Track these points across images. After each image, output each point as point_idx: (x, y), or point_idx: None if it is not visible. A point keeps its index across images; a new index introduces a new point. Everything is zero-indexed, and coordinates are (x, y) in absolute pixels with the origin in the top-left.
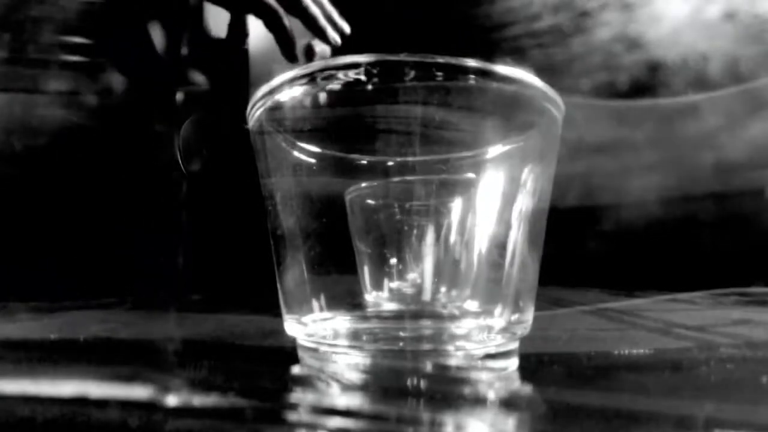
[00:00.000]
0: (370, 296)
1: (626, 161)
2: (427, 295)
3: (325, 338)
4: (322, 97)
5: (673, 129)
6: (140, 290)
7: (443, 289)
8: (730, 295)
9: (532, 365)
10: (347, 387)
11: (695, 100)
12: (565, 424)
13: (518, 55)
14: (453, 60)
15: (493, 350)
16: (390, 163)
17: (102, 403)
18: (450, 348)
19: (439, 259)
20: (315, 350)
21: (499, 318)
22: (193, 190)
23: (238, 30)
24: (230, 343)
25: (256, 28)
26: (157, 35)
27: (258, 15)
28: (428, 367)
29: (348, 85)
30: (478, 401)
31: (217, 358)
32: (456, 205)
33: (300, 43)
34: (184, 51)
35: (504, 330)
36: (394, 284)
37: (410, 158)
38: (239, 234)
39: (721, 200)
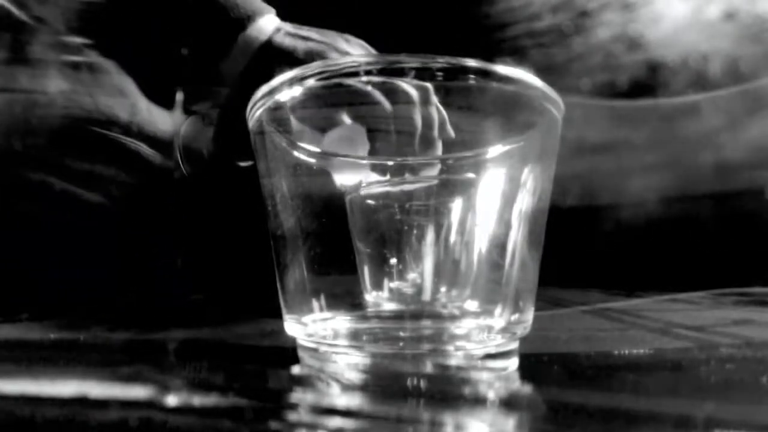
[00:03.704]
0: (370, 296)
1: (626, 161)
2: (427, 295)
3: (325, 338)
4: (322, 97)
5: (673, 129)
6: (141, 290)
7: (443, 289)
8: (730, 295)
9: (532, 365)
10: (347, 387)
11: (695, 100)
12: (565, 424)
13: (518, 55)
14: (453, 60)
15: (493, 350)
16: (390, 163)
17: (102, 403)
18: (450, 348)
19: (439, 259)
20: (315, 350)
21: (499, 318)
22: (193, 190)
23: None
24: (230, 343)
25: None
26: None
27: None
28: (428, 367)
29: (348, 86)
30: (478, 401)
31: (217, 358)
32: (456, 205)
33: None
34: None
35: (504, 330)
36: (394, 284)
37: (410, 158)
38: (239, 234)
39: (721, 200)
